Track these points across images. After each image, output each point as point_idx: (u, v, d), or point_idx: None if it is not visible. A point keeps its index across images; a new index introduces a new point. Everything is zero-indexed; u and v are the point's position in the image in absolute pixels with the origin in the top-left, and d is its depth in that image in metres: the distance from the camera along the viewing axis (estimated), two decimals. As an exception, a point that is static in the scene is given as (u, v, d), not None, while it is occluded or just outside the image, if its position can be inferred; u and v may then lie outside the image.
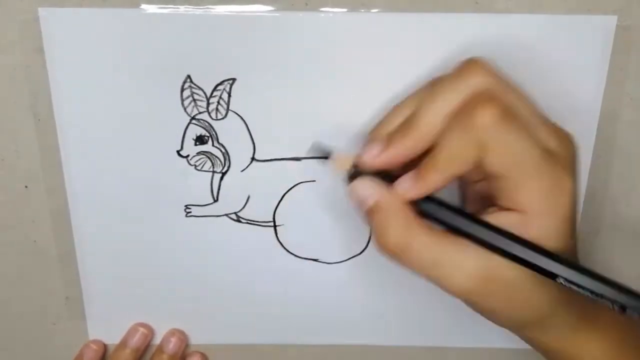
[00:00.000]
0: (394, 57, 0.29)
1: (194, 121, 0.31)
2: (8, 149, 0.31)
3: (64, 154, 0.31)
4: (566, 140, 0.26)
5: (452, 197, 0.29)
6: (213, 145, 0.31)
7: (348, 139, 0.30)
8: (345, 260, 0.34)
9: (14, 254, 0.34)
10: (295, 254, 0.34)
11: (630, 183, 0.32)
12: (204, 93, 0.30)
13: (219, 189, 0.32)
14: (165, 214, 0.33)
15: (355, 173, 0.26)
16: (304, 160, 0.31)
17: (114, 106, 0.30)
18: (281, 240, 0.33)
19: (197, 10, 0.28)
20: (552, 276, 0.24)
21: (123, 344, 0.35)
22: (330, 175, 0.31)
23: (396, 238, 0.25)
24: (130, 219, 0.33)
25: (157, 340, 0.36)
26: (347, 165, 0.26)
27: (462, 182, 0.29)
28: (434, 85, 0.25)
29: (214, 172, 0.32)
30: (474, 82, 0.24)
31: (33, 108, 0.30)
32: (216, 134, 0.31)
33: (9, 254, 0.34)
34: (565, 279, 0.24)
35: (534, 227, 0.24)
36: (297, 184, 0.32)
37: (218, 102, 0.30)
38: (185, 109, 0.30)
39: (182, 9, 0.28)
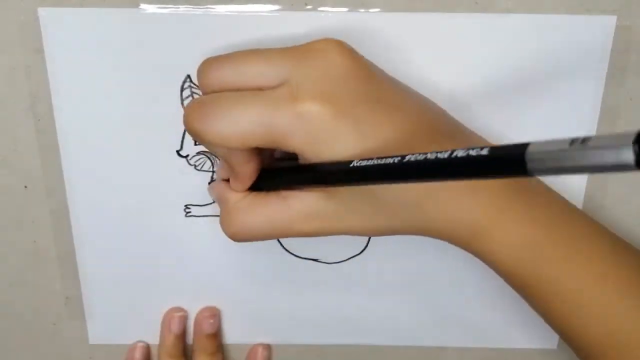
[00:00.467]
0: (394, 57, 0.29)
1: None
2: (8, 149, 0.31)
3: (64, 154, 0.31)
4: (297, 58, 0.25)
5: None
6: (213, 145, 0.31)
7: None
8: (345, 260, 0.34)
9: (13, 254, 0.34)
10: (295, 253, 0.34)
11: (629, 183, 0.32)
12: (204, 93, 0.30)
13: (219, 189, 0.32)
14: (165, 214, 0.33)
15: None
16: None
17: (114, 106, 0.30)
18: (281, 240, 0.33)
19: (197, 10, 0.28)
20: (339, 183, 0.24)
21: (166, 331, 0.35)
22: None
23: (230, 226, 0.27)
24: (130, 219, 0.33)
25: (156, 340, 0.36)
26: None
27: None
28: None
29: (213, 172, 0.32)
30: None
31: (33, 108, 0.30)
32: (216, 134, 0.31)
33: (9, 254, 0.34)
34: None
35: (325, 154, 0.24)
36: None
37: (218, 102, 0.30)
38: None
39: (182, 9, 0.28)
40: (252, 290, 0.35)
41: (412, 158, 0.20)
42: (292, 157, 0.26)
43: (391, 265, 0.34)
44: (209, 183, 0.32)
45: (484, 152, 0.18)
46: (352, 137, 0.24)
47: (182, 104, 0.30)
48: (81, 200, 0.32)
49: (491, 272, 0.28)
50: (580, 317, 0.27)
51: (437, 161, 0.19)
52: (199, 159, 0.31)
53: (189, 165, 0.32)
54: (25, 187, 0.32)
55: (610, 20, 0.28)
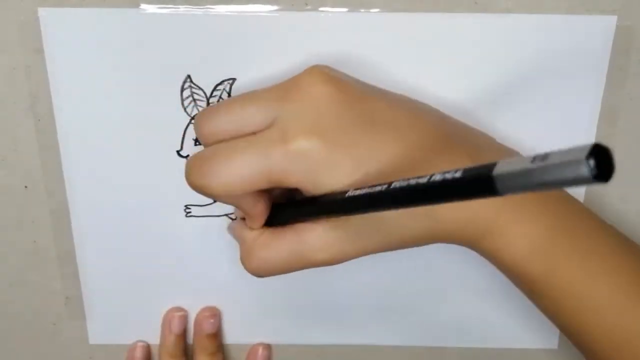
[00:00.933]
0: (394, 58, 0.29)
1: (194, 121, 0.31)
2: (8, 149, 0.31)
3: (64, 154, 0.31)
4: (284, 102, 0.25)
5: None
6: (213, 145, 0.31)
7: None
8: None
9: (13, 254, 0.34)
10: (295, 254, 0.34)
11: (629, 183, 0.32)
12: (204, 93, 0.30)
13: (219, 189, 0.32)
14: (165, 214, 0.33)
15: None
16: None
17: (114, 106, 0.30)
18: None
19: (197, 10, 0.28)
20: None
21: (167, 331, 0.35)
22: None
23: (249, 262, 0.28)
24: (130, 219, 0.33)
25: (156, 340, 0.36)
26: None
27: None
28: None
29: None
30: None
31: (33, 108, 0.30)
32: (216, 134, 0.31)
33: (9, 254, 0.34)
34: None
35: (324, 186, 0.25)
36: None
37: (218, 102, 0.30)
38: (185, 109, 0.30)
39: (182, 9, 0.28)
40: (252, 290, 0.35)
41: (397, 185, 0.20)
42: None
43: (391, 266, 0.34)
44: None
45: (458, 174, 0.18)
46: (349, 164, 0.24)
47: (182, 104, 0.30)
48: (81, 200, 0.32)
49: (491, 272, 0.28)
50: (591, 316, 0.27)
51: (418, 186, 0.19)
52: (199, 159, 0.31)
53: (189, 165, 0.32)
54: (25, 187, 0.32)
55: (611, 20, 0.28)
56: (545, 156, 0.15)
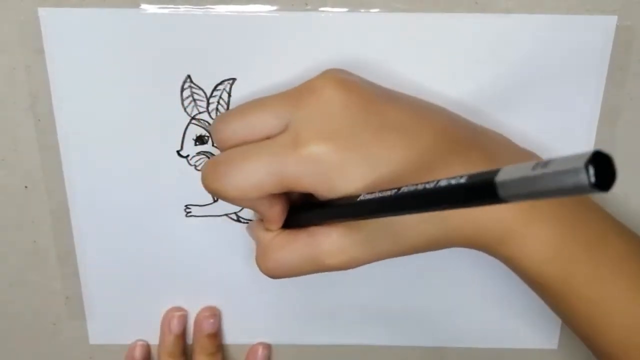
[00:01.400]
0: (394, 58, 0.29)
1: (194, 121, 0.31)
2: (8, 149, 0.31)
3: (64, 154, 0.31)
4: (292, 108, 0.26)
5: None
6: (213, 145, 0.31)
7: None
8: (345, 260, 0.34)
9: (13, 254, 0.34)
10: (295, 254, 0.34)
11: (630, 183, 0.32)
12: (204, 93, 0.30)
13: (219, 189, 0.32)
14: (165, 214, 0.33)
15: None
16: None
17: (114, 106, 0.30)
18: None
19: (197, 10, 0.28)
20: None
21: (166, 331, 0.35)
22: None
23: (264, 263, 0.28)
24: (130, 219, 0.33)
25: (156, 340, 0.36)
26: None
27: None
28: None
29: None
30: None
31: (33, 108, 0.30)
32: (216, 134, 0.31)
33: (9, 254, 0.34)
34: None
35: (339, 191, 0.25)
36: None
37: (218, 102, 0.30)
38: (185, 109, 0.30)
39: (182, 9, 0.28)
40: (252, 290, 0.35)
41: (405, 190, 0.20)
42: None
43: (392, 266, 0.34)
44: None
45: (462, 180, 0.17)
46: (361, 168, 0.25)
47: (182, 104, 0.30)
48: (81, 200, 0.32)
49: (491, 273, 0.28)
50: (608, 320, 0.26)
51: (425, 192, 0.19)
52: (199, 159, 0.31)
53: (189, 166, 0.32)
54: (25, 187, 0.32)
55: (611, 20, 0.28)
56: (546, 163, 0.14)
